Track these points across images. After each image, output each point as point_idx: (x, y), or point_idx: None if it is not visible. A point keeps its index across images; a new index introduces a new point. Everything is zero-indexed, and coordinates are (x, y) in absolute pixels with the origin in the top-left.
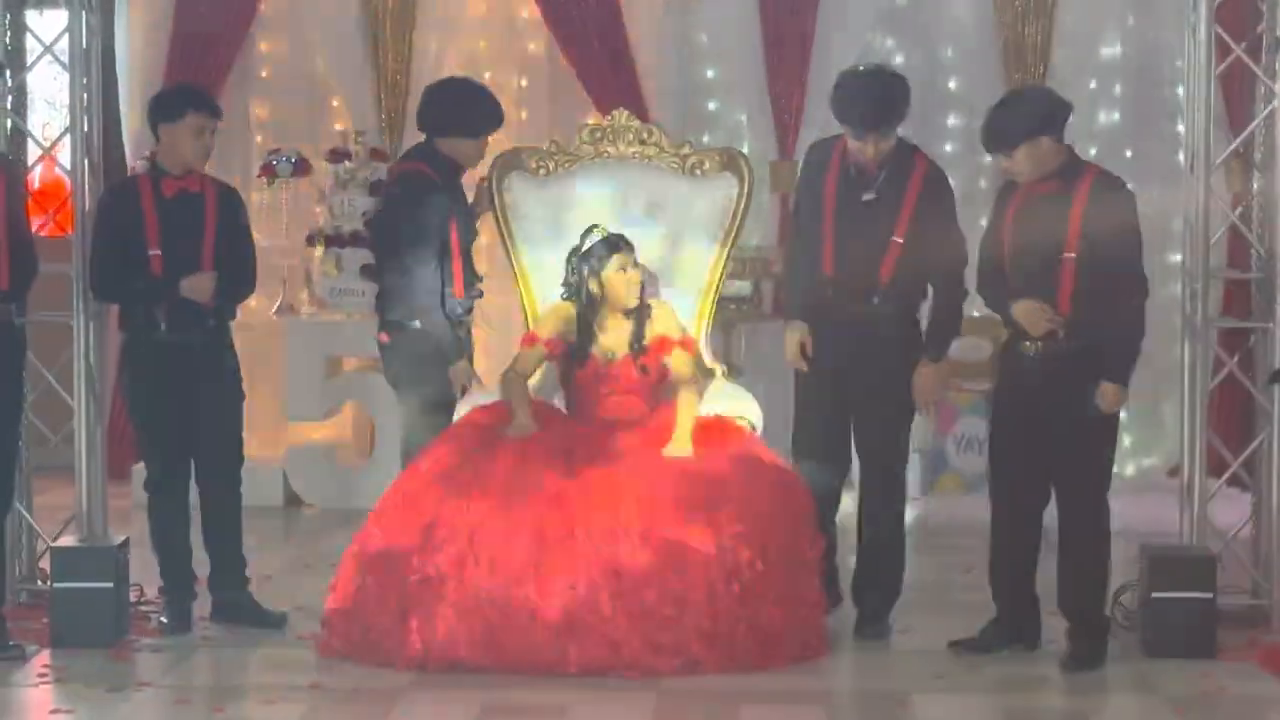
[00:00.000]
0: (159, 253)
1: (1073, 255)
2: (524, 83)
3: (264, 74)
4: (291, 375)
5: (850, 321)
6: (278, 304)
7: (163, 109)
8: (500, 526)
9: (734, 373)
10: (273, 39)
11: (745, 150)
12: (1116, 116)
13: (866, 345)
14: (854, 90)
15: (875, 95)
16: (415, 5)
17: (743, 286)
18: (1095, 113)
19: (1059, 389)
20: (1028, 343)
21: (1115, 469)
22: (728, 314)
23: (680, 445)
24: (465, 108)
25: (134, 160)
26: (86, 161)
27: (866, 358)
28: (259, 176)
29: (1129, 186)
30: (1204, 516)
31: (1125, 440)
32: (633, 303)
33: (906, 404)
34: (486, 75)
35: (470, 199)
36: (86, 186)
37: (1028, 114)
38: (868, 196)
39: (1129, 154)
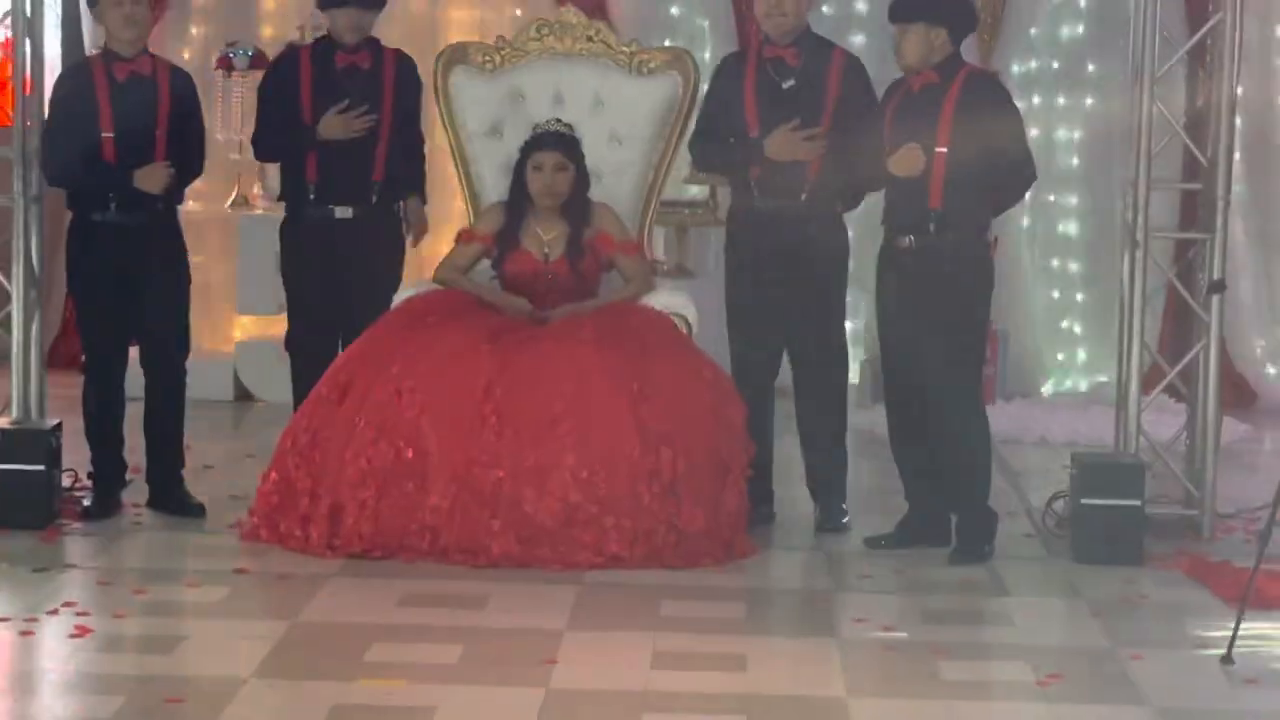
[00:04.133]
0: (110, 135)
1: (944, 150)
2: None
3: None
4: (242, 269)
5: (778, 219)
6: (232, 198)
7: None
8: (430, 419)
9: (685, 275)
10: None
11: (708, 56)
12: (1080, 29)
13: (795, 244)
14: None
15: None
16: None
17: (699, 191)
18: (1058, 25)
19: (931, 283)
20: (902, 238)
21: (1070, 384)
22: (682, 217)
23: (572, 309)
24: None
25: (91, 49)
26: (29, 44)
27: (796, 257)
28: (215, 69)
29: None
30: (1137, 425)
31: (1078, 355)
32: (546, 202)
33: (839, 302)
34: None
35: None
36: (28, 71)
37: (952, 7)
38: (787, 84)
39: (1091, 67)
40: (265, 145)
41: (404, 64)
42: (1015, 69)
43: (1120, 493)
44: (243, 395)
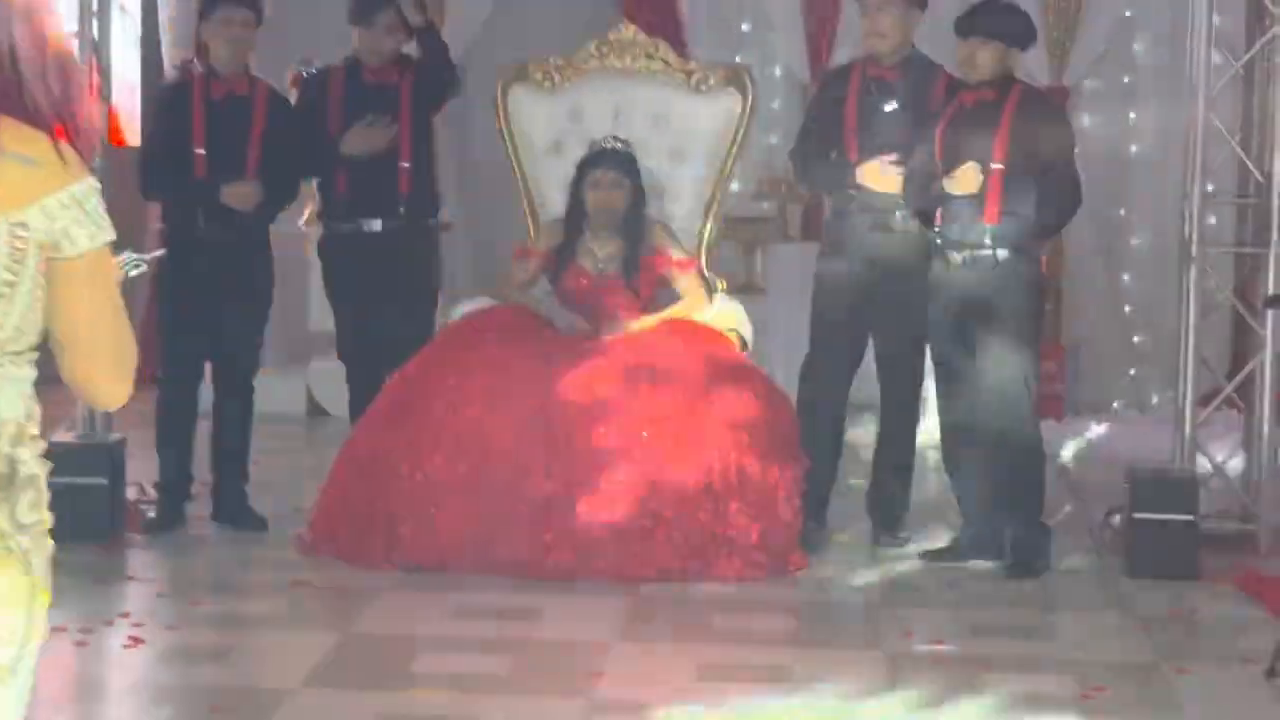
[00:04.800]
0: (203, 152)
1: (1000, 166)
2: None
3: None
4: (315, 284)
5: (872, 239)
6: (306, 213)
7: (201, 8)
8: (485, 434)
9: (753, 292)
10: None
11: (778, 72)
12: (1150, 44)
13: (888, 263)
14: None
15: None
16: None
17: (768, 208)
18: (1129, 41)
19: (986, 299)
20: (957, 254)
21: (1140, 400)
22: (749, 234)
23: (630, 326)
24: None
25: (169, 66)
26: (94, 63)
27: (887, 276)
28: (290, 86)
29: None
30: (1193, 440)
31: (1149, 371)
32: (603, 219)
33: (924, 326)
34: None
35: None
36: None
37: (1026, 25)
38: (889, 106)
39: (1161, 83)
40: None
41: (422, 73)
42: (1087, 84)
43: (1174, 507)
44: (316, 411)
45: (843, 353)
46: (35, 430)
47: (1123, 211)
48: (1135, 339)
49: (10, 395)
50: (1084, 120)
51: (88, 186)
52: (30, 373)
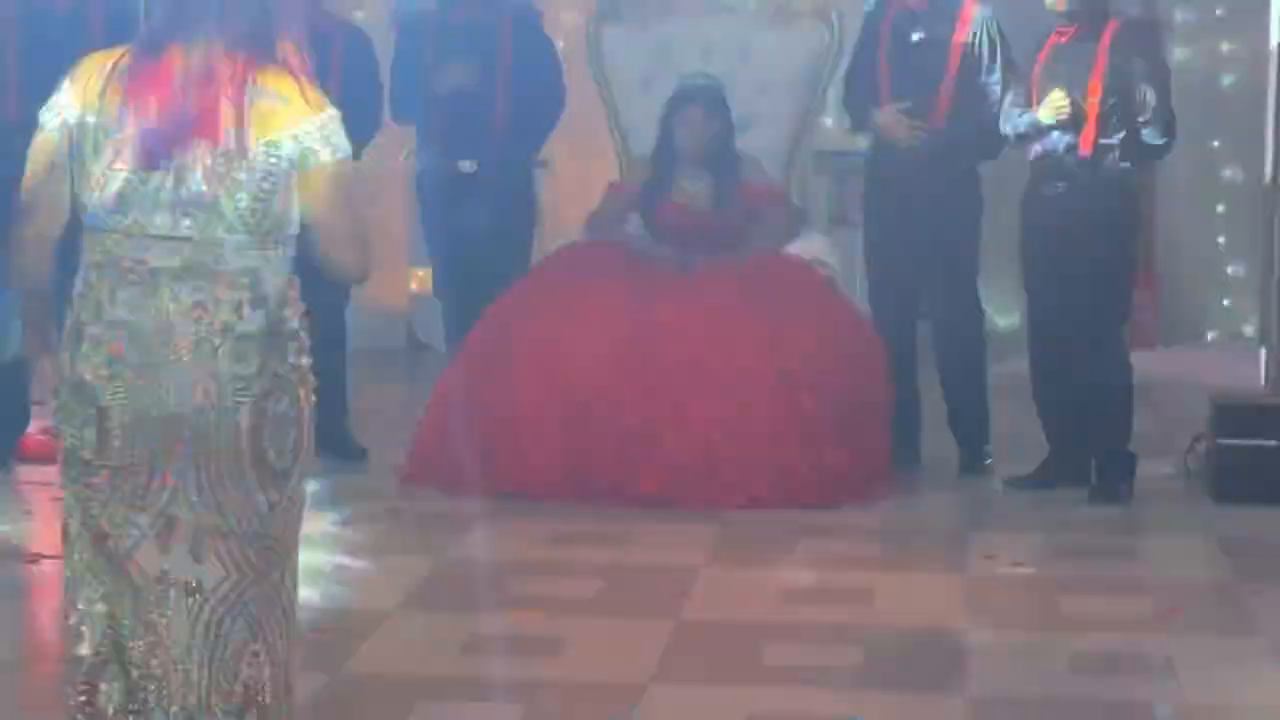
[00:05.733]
0: None
1: (1096, 99)
2: None
3: None
4: (414, 219)
5: (906, 170)
6: (406, 150)
7: None
8: (577, 364)
9: (847, 224)
10: None
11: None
12: None
13: (923, 194)
14: None
15: None
16: None
17: (861, 141)
18: None
19: (1079, 229)
20: (1052, 185)
21: (1233, 330)
22: (838, 167)
23: (721, 259)
24: None
25: None
26: None
27: (924, 207)
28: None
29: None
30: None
31: (1243, 301)
32: (692, 154)
33: (969, 251)
34: None
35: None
36: None
37: None
38: (916, 37)
39: (1256, 14)
40: (398, 104)
41: (522, 19)
42: (1179, 15)
43: (1259, 433)
44: (416, 344)
45: (896, 282)
46: (295, 295)
47: (1216, 143)
48: (1229, 269)
49: (275, 267)
50: (1176, 51)
51: (329, 117)
52: (289, 253)
